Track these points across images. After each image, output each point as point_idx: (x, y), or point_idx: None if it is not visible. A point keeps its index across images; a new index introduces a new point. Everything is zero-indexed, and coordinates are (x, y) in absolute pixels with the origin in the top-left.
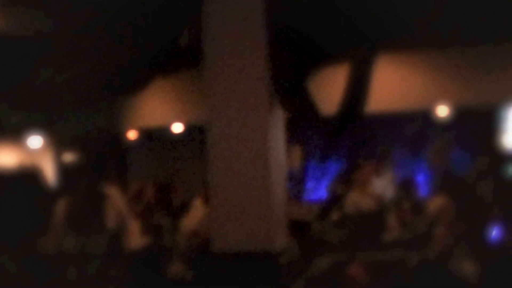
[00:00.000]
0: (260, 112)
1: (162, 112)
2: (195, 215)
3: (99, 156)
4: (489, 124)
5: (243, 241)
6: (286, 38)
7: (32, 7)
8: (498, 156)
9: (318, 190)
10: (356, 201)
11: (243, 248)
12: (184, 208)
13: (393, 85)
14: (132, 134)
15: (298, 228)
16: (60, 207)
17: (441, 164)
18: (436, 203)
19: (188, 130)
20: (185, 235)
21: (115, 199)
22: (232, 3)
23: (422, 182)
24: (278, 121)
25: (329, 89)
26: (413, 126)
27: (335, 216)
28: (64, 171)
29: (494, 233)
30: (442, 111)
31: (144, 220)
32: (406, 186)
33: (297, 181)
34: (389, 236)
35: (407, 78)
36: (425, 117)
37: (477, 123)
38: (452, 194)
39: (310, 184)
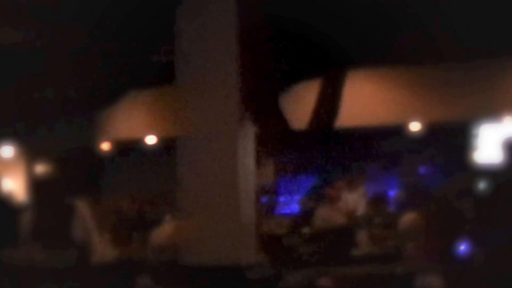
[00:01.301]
0: (230, 127)
1: (135, 125)
2: (165, 228)
3: (70, 169)
4: (462, 141)
5: (212, 255)
6: (258, 55)
7: (7, 21)
8: (470, 172)
9: (290, 205)
10: (327, 216)
11: (212, 261)
12: (155, 221)
13: (367, 101)
14: (105, 147)
15: (269, 242)
16: (28, 219)
17: (412, 180)
18: (407, 219)
19: (162, 143)
20: (155, 248)
21: (84, 212)
22: (205, 20)
23: (394, 198)
24: (248, 136)
25: (300, 105)
26: (386, 142)
27: (306, 230)
28: (35, 182)
29: (463, 248)
30: (415, 127)
31: (115, 233)
32: (378, 201)
33: (269, 195)
34: (360, 251)
35: (381, 94)
36: (399, 133)
37: (450, 140)
38: (423, 210)
39: (282, 199)
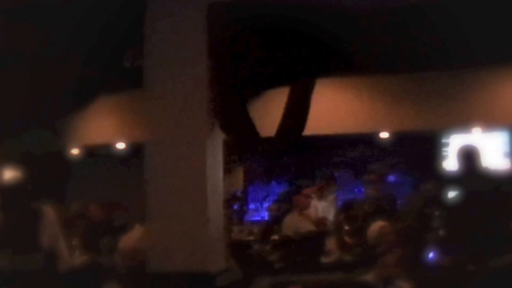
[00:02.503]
0: (199, 134)
1: (104, 130)
2: (133, 234)
3: (38, 174)
4: (431, 150)
5: (180, 262)
6: (227, 61)
7: None
8: (438, 181)
9: (260, 212)
10: (296, 223)
11: (180, 268)
12: (123, 227)
13: (336, 109)
14: (74, 152)
15: (238, 249)
16: None
17: (377, 188)
18: (376, 227)
19: (131, 149)
20: (123, 254)
21: (52, 217)
22: (174, 25)
23: (362, 205)
24: (217, 143)
25: (269, 113)
26: (356, 150)
27: (275, 237)
28: (2, 188)
29: (431, 256)
30: (384, 136)
31: (82, 238)
32: (347, 209)
33: (238, 202)
34: (329, 259)
35: (350, 103)
36: (368, 141)
37: (418, 149)
38: (392, 218)
39: (252, 206)
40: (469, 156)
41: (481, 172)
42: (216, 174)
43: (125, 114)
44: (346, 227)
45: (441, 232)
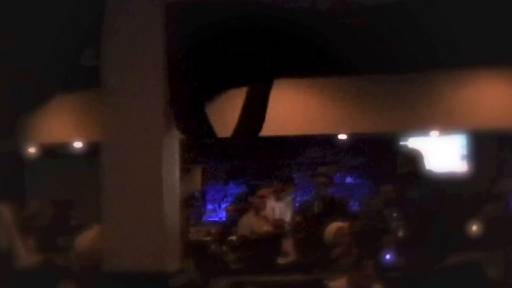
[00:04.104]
0: (155, 134)
1: (61, 129)
2: (89, 234)
3: None
4: (390, 152)
5: (135, 261)
6: (185, 61)
7: None
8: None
9: (218, 212)
10: (252, 224)
11: (135, 268)
12: (79, 226)
13: (294, 111)
14: (30, 151)
15: (195, 249)
16: None
17: (327, 190)
18: (333, 228)
19: (87, 148)
20: (78, 254)
21: (7, 217)
22: (131, 24)
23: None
24: (174, 143)
25: (226, 113)
26: (314, 152)
27: (232, 238)
28: None
29: (389, 257)
30: (343, 137)
31: (38, 238)
32: (304, 210)
33: (196, 202)
34: (285, 260)
35: (309, 104)
36: (326, 143)
37: (377, 150)
38: (349, 219)
39: (209, 206)
40: (412, 159)
41: (426, 175)
42: (172, 174)
43: (82, 112)
44: (303, 228)
45: (399, 234)
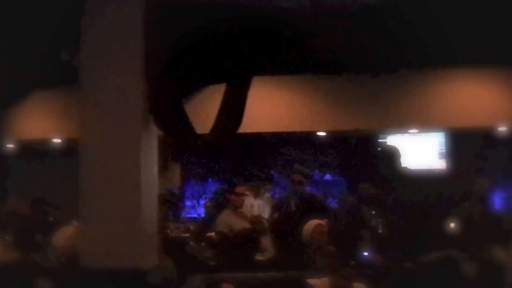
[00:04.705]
0: (134, 131)
1: (39, 126)
2: (66, 230)
3: None
4: (367, 150)
5: (113, 258)
6: (163, 58)
7: None
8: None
9: (196, 209)
10: (230, 221)
11: (112, 264)
12: (57, 223)
13: (274, 108)
14: (8, 148)
15: (172, 246)
16: None
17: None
18: (311, 225)
19: (66, 145)
20: (56, 250)
21: None
22: (110, 21)
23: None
24: (152, 140)
25: (205, 110)
26: (292, 149)
27: (210, 235)
28: None
29: (366, 254)
30: (322, 135)
31: (16, 234)
32: (282, 207)
33: (175, 199)
34: (263, 256)
35: (288, 101)
36: (305, 140)
37: (355, 148)
38: (327, 216)
39: (188, 203)
40: (390, 157)
41: (404, 173)
42: (151, 171)
43: (60, 109)
44: (281, 225)
45: (378, 231)
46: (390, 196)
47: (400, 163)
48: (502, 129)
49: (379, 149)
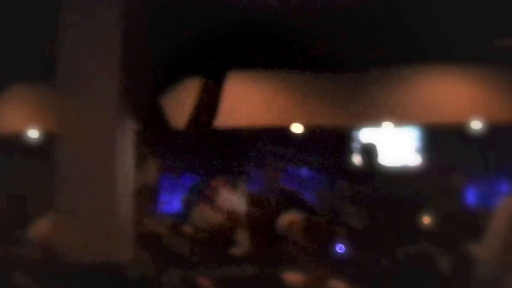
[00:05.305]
0: (109, 125)
1: (17, 119)
2: (43, 225)
3: None
4: (343, 145)
5: (90, 253)
6: (140, 52)
7: None
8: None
9: (173, 203)
10: (206, 215)
11: (89, 259)
12: (34, 217)
13: (250, 102)
14: None
15: (149, 240)
16: None
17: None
18: (286, 219)
19: (43, 138)
20: (32, 245)
21: None
22: (88, 15)
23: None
24: (128, 134)
25: (181, 104)
26: (268, 144)
27: (186, 229)
28: None
29: (340, 248)
30: (297, 130)
31: None
32: (257, 201)
33: (149, 193)
34: (239, 251)
35: (264, 96)
36: (281, 135)
37: (331, 144)
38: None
39: (164, 197)
40: (367, 152)
41: (380, 168)
42: (126, 165)
43: (37, 103)
44: (257, 219)
45: (354, 227)
46: (367, 191)
47: (377, 159)
48: (476, 124)
49: (356, 144)
